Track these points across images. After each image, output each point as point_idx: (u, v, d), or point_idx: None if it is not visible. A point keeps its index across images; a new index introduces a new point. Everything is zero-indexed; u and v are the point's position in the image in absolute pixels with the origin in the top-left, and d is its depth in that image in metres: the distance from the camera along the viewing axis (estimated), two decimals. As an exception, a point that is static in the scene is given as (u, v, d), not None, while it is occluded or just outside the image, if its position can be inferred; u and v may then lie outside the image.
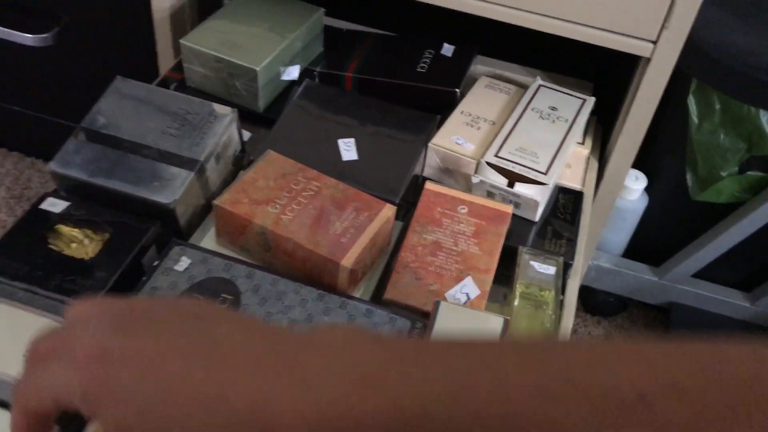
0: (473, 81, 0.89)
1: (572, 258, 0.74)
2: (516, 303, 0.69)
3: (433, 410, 0.28)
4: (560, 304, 0.70)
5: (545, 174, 0.75)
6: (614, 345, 0.29)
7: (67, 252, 0.63)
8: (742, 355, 0.27)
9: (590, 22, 0.78)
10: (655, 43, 0.77)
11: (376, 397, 0.28)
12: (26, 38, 1.08)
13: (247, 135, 0.81)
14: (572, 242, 0.75)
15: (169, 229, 0.67)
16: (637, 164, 1.04)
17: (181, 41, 0.81)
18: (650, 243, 1.15)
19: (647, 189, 1.10)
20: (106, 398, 0.30)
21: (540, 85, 0.86)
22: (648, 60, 0.79)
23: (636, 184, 1.08)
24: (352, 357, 0.30)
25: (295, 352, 0.30)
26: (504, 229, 0.70)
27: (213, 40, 0.81)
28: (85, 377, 0.30)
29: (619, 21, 0.77)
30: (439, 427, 0.27)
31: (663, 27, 0.76)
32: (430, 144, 0.78)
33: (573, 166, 0.85)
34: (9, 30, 1.08)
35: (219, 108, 0.73)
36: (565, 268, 0.73)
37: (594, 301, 1.23)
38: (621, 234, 1.13)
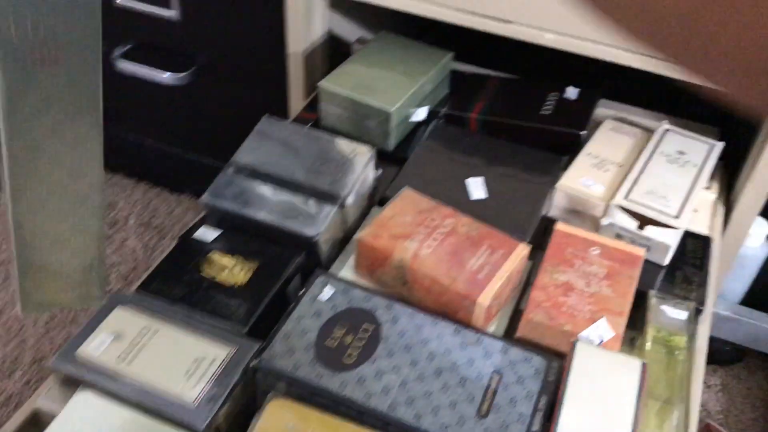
0: (596, 124, 0.90)
1: (703, 303, 0.73)
2: (648, 347, 0.69)
3: None
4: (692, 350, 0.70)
5: (676, 218, 0.75)
6: None
7: (219, 279, 0.68)
8: None
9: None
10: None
11: None
12: (164, 77, 1.16)
13: (377, 172, 0.84)
14: (702, 288, 0.75)
15: (312, 260, 0.71)
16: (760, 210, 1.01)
17: (320, 84, 0.85)
18: (772, 291, 1.12)
19: (770, 236, 1.07)
20: None
21: (667, 129, 0.86)
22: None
23: (758, 230, 1.06)
24: None
25: None
26: (637, 273, 0.70)
27: (348, 83, 0.86)
28: None
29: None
30: None
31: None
32: (558, 185, 0.79)
33: (699, 210, 0.84)
34: (149, 69, 1.16)
35: (359, 147, 0.76)
36: (696, 314, 0.73)
37: (709, 350, 1.20)
38: (740, 281, 1.10)
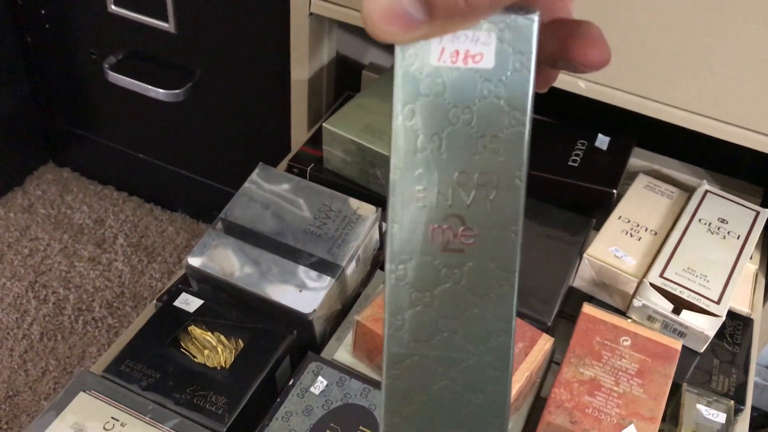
0: (628, 176, 0.82)
1: (743, 401, 0.65)
2: (681, 454, 0.61)
3: None
4: (729, 457, 0.62)
5: (717, 303, 0.67)
6: None
7: (199, 359, 0.60)
8: None
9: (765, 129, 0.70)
10: None
11: None
12: (158, 93, 1.08)
13: (383, 227, 0.76)
14: (743, 380, 0.67)
15: (304, 338, 0.63)
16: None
17: (324, 125, 0.77)
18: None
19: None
20: None
21: (706, 191, 0.78)
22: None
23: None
24: None
25: None
26: (672, 369, 0.62)
27: (355, 124, 0.77)
28: None
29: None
30: None
31: None
32: (585, 254, 0.71)
33: (739, 283, 0.75)
34: (142, 84, 1.08)
35: (363, 208, 0.68)
36: (735, 413, 0.65)
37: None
38: (772, 343, 1.02)
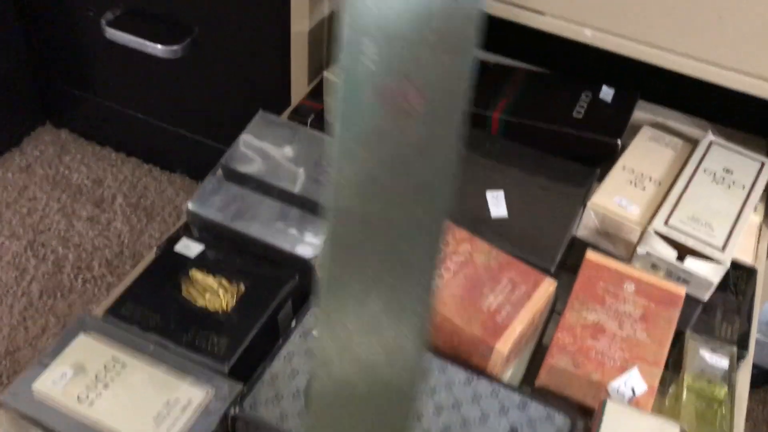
0: (632, 129, 0.81)
1: (746, 347, 0.65)
2: (684, 398, 0.60)
3: None
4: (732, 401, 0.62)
5: (722, 251, 0.66)
6: None
7: (200, 303, 0.59)
8: None
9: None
10: None
11: None
12: (156, 49, 1.06)
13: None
14: (746, 328, 0.66)
15: (306, 283, 0.62)
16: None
17: (326, 74, 0.76)
18: (806, 313, 1.03)
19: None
20: None
21: (711, 142, 0.77)
22: None
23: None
24: None
25: None
26: (676, 314, 0.62)
27: (357, 72, 0.76)
28: None
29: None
30: None
31: None
32: (589, 204, 0.70)
33: (743, 234, 0.75)
34: (140, 39, 1.06)
35: (365, 153, 0.67)
36: (737, 359, 0.65)
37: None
38: (773, 301, 1.02)
